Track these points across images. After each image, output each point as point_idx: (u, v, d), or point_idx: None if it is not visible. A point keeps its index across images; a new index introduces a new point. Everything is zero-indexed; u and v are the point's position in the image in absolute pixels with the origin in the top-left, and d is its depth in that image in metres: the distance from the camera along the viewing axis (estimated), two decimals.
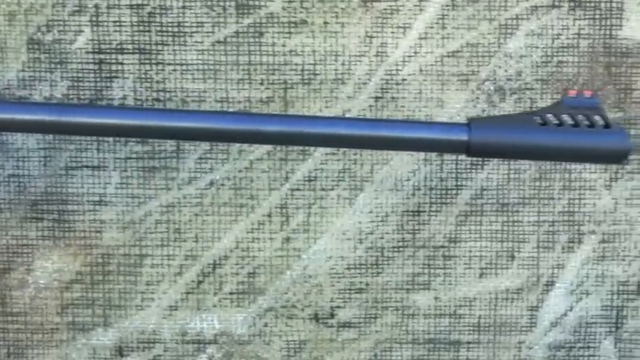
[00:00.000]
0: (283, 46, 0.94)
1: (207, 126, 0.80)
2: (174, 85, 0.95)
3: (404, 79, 0.95)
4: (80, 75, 0.94)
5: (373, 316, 1.00)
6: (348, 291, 0.99)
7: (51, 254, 0.98)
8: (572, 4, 0.94)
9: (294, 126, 0.76)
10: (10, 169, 0.96)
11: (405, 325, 1.00)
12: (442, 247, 0.98)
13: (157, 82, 0.95)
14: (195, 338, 1.00)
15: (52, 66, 0.94)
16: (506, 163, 0.97)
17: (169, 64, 0.95)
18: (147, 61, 0.94)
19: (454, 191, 0.97)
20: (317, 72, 0.95)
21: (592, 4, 0.94)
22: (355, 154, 0.96)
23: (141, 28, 0.94)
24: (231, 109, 0.95)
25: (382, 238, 0.98)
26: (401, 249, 0.98)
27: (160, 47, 0.94)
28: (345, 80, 0.95)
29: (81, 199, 0.97)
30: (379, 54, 0.95)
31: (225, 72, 0.95)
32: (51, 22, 0.94)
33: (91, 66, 0.94)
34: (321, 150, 0.96)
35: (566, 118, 0.75)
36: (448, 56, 0.95)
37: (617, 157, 0.76)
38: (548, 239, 0.98)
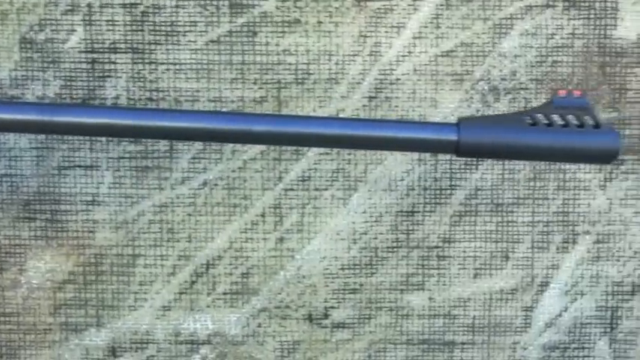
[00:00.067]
0: (277, 45, 0.94)
1: (200, 126, 0.79)
2: (168, 84, 0.95)
3: (398, 79, 0.95)
4: (73, 74, 0.94)
5: (367, 316, 0.99)
6: (342, 291, 0.99)
7: (44, 254, 0.97)
8: (566, 3, 0.94)
9: (284, 126, 0.76)
10: (2, 168, 0.96)
11: (399, 326, 1.00)
12: (436, 247, 0.98)
13: (150, 81, 0.95)
14: (189, 339, 0.99)
15: (45, 65, 0.94)
16: (500, 163, 0.97)
17: (162, 64, 0.94)
18: (140, 61, 0.94)
19: (448, 191, 0.97)
20: (311, 71, 0.95)
21: (586, 4, 0.94)
22: (349, 154, 0.96)
23: (134, 27, 0.94)
24: (224, 109, 0.95)
25: (376, 238, 0.98)
26: (395, 249, 0.98)
27: (153, 47, 0.94)
28: (339, 80, 0.95)
29: (74, 198, 0.96)
30: (373, 53, 0.95)
31: (219, 71, 0.94)
32: (43, 21, 0.93)
33: (84, 65, 0.94)
34: (315, 150, 0.96)
35: (556, 118, 0.75)
36: (442, 56, 0.95)
37: (607, 157, 0.76)
38: (542, 239, 0.98)
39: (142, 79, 0.94)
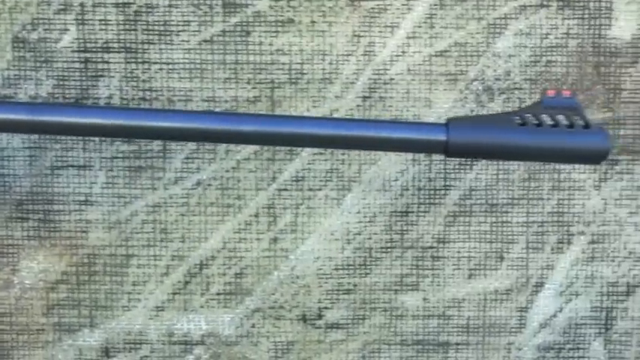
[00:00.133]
0: (270, 45, 0.94)
1: (193, 126, 0.79)
2: (161, 84, 0.94)
3: (392, 79, 0.95)
4: (66, 74, 0.94)
5: (361, 317, 0.99)
6: (336, 292, 0.99)
7: (36, 254, 0.97)
8: (560, 3, 0.94)
9: (272, 126, 0.76)
10: None
11: (394, 327, 0.99)
12: (431, 247, 0.98)
13: (143, 81, 0.94)
14: (182, 339, 0.99)
15: (38, 65, 0.94)
16: (494, 163, 0.96)
17: (155, 63, 0.94)
18: (133, 60, 0.94)
19: (443, 191, 0.97)
20: (304, 71, 0.94)
21: (581, 4, 0.94)
22: (343, 154, 0.96)
23: (127, 26, 0.93)
24: (217, 109, 0.95)
25: (370, 238, 0.98)
26: (389, 250, 0.98)
27: (146, 46, 0.94)
28: (333, 80, 0.95)
29: (67, 198, 0.96)
30: (367, 53, 0.94)
31: (212, 71, 0.94)
32: (36, 21, 0.93)
33: (77, 65, 0.94)
34: (309, 150, 0.96)
35: (545, 118, 0.75)
36: (436, 56, 0.95)
37: (596, 158, 0.76)
38: (537, 240, 0.98)
39: (135, 79, 0.94)
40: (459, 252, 0.98)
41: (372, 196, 0.97)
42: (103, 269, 0.98)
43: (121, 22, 0.93)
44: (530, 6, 0.94)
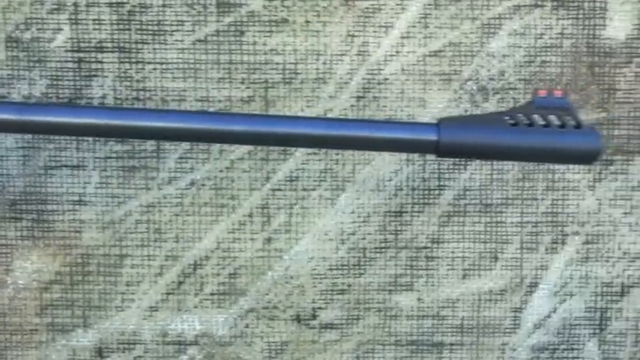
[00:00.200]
0: (264, 45, 0.94)
1: (186, 126, 0.79)
2: (155, 84, 0.94)
3: (386, 79, 0.95)
4: (59, 73, 0.94)
5: (355, 317, 0.99)
6: (330, 292, 0.98)
7: (30, 254, 0.97)
8: (555, 3, 0.94)
9: (264, 126, 0.76)
10: None
11: (388, 327, 0.99)
12: (425, 247, 0.98)
13: (137, 80, 0.94)
14: (176, 339, 0.99)
15: (31, 64, 0.93)
16: (489, 163, 0.96)
17: (149, 63, 0.94)
18: (126, 60, 0.94)
19: (437, 192, 0.97)
20: (298, 71, 0.94)
21: (575, 4, 0.94)
22: (337, 154, 0.96)
23: (120, 26, 0.93)
24: (211, 109, 0.94)
25: (364, 238, 0.97)
26: (383, 250, 0.98)
27: (139, 46, 0.94)
28: (327, 80, 0.94)
29: (60, 198, 0.96)
30: (361, 53, 0.94)
31: (206, 71, 0.94)
32: (29, 20, 0.93)
33: (70, 64, 0.94)
34: (303, 150, 0.96)
35: (537, 118, 0.75)
36: (430, 56, 0.94)
37: (588, 158, 0.76)
38: (531, 240, 0.98)
39: (128, 79, 0.94)
40: (453, 252, 0.98)
41: (366, 196, 0.97)
42: (97, 269, 0.97)
43: (114, 22, 0.93)
44: (525, 6, 0.94)
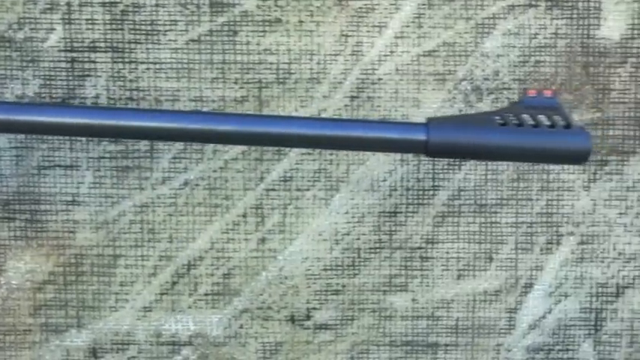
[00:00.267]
0: (258, 44, 0.94)
1: (180, 126, 0.79)
2: (148, 83, 0.94)
3: (380, 79, 0.94)
4: (52, 73, 0.94)
5: (350, 317, 0.99)
6: (324, 292, 0.98)
7: (23, 254, 0.97)
8: (549, 3, 0.93)
9: (257, 126, 0.76)
10: None
11: (382, 327, 0.99)
12: (419, 248, 0.98)
13: (130, 80, 0.94)
14: (170, 340, 0.99)
15: (24, 64, 0.93)
16: (483, 163, 0.96)
17: (142, 63, 0.94)
18: (120, 60, 0.94)
19: (431, 192, 0.97)
20: (292, 71, 0.94)
21: (569, 4, 0.93)
22: (331, 155, 0.96)
23: (114, 26, 0.93)
24: (205, 109, 0.94)
25: (359, 239, 0.97)
26: (378, 250, 0.97)
27: (133, 46, 0.93)
28: (321, 79, 0.94)
29: (54, 198, 0.96)
30: (355, 53, 0.94)
31: (199, 71, 0.94)
32: (22, 20, 0.93)
33: (64, 64, 0.93)
34: (297, 150, 0.95)
35: (526, 118, 0.75)
36: (424, 55, 0.94)
37: (578, 158, 0.75)
38: (526, 241, 0.98)
39: (122, 79, 0.94)
40: (447, 252, 0.98)
41: (360, 197, 0.96)
42: (91, 270, 0.97)
43: (107, 22, 0.93)
44: (519, 6, 0.93)
